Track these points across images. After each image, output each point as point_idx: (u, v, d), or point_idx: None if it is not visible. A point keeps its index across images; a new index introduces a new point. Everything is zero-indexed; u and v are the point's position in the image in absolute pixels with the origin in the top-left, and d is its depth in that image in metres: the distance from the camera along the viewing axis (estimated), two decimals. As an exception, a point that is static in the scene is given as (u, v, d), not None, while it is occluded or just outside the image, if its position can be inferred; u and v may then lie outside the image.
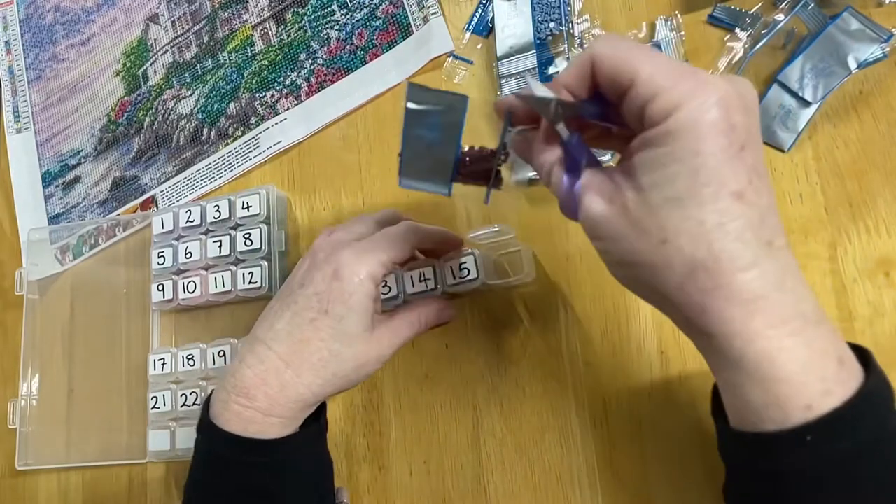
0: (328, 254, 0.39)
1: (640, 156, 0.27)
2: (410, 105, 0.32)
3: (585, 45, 0.48)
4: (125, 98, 0.66)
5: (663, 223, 0.26)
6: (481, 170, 0.36)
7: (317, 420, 0.42)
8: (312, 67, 0.57)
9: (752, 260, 0.26)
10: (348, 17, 0.57)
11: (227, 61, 0.61)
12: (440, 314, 0.43)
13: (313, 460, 0.42)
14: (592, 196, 0.29)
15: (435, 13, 0.53)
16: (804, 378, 0.26)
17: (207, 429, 0.40)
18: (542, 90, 0.30)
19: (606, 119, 0.30)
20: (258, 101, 0.59)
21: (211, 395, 0.41)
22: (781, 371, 0.26)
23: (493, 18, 0.50)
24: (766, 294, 0.26)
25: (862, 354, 0.28)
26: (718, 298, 0.26)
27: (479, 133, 0.50)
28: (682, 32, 0.46)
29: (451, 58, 0.52)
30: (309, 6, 0.58)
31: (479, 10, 0.52)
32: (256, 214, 0.53)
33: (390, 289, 0.48)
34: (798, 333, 0.26)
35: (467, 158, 0.36)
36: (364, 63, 0.55)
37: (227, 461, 0.39)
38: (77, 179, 0.67)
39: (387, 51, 0.55)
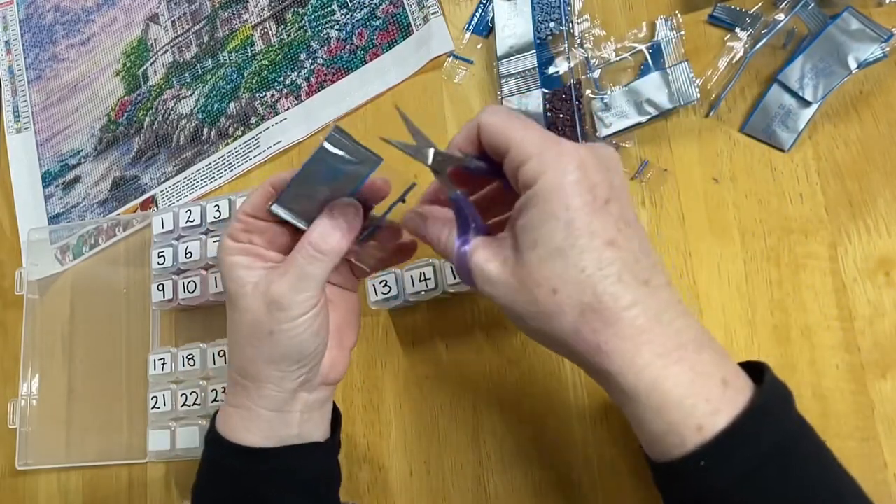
0: None
1: (521, 219, 0.30)
2: (326, 145, 0.33)
3: (586, 45, 0.48)
4: (125, 98, 0.66)
5: (551, 274, 0.29)
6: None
7: (331, 435, 0.41)
8: (312, 67, 0.57)
9: (632, 299, 0.29)
10: (348, 16, 0.57)
11: (228, 61, 0.61)
12: (337, 213, 0.36)
13: (315, 471, 0.40)
14: (483, 258, 0.31)
15: (435, 13, 0.53)
16: (691, 401, 0.28)
17: (209, 436, 0.40)
18: (421, 139, 0.33)
19: (494, 175, 0.32)
20: (258, 101, 0.59)
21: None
22: (670, 396, 0.28)
23: (493, 18, 0.50)
24: (649, 328, 0.29)
25: (759, 369, 0.30)
26: (610, 336, 0.29)
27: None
28: (683, 32, 0.46)
29: (451, 57, 0.52)
30: (309, 6, 0.58)
31: (480, 10, 0.52)
32: (256, 214, 0.53)
33: (390, 289, 0.48)
34: (681, 361, 0.28)
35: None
36: (364, 63, 0.55)
37: (225, 469, 0.39)
38: (77, 179, 0.67)
39: (387, 51, 0.55)
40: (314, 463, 0.40)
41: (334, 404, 0.43)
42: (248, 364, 0.37)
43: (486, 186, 0.36)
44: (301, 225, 0.36)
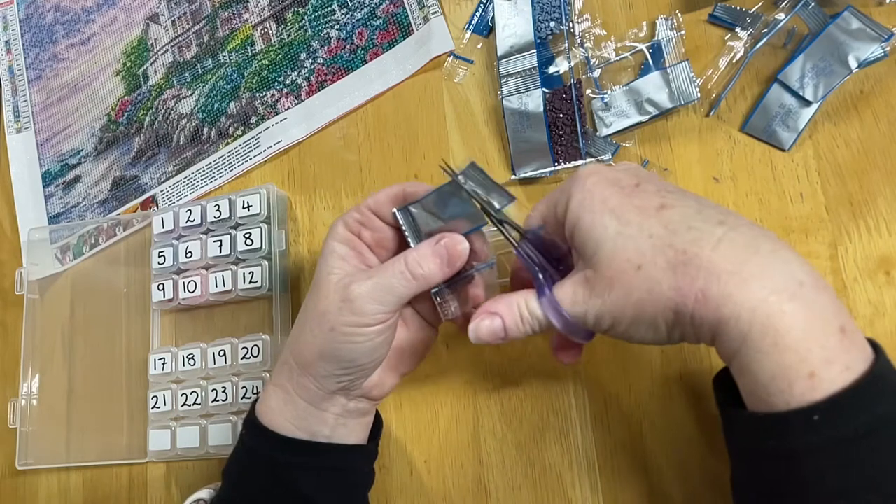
0: None
1: (576, 240, 0.32)
2: (460, 178, 0.35)
3: (586, 44, 0.48)
4: (125, 98, 0.66)
5: (627, 257, 0.29)
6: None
7: (372, 439, 0.42)
8: (313, 67, 0.57)
9: (714, 238, 0.28)
10: (348, 16, 0.57)
11: (228, 61, 0.61)
12: (443, 249, 0.35)
13: (346, 470, 0.40)
14: (566, 291, 0.32)
15: (435, 12, 0.53)
16: (806, 344, 0.26)
17: (248, 422, 0.40)
18: (499, 199, 0.36)
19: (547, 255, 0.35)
20: (258, 101, 0.59)
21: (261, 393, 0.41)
22: (784, 337, 0.26)
23: (493, 18, 0.50)
24: (746, 258, 0.27)
25: (871, 344, 0.28)
26: (711, 281, 0.27)
27: (480, 139, 0.50)
28: (683, 31, 0.46)
29: (452, 57, 0.52)
30: (309, 5, 0.58)
31: (480, 10, 0.52)
32: (257, 214, 0.53)
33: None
34: (795, 299, 0.27)
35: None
36: (364, 62, 0.55)
37: (258, 454, 0.39)
38: (77, 179, 0.67)
39: (387, 50, 0.55)
40: (348, 463, 0.40)
41: (377, 412, 0.43)
42: (302, 348, 0.37)
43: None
44: (411, 240, 0.36)
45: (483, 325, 0.34)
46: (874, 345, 0.28)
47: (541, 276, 0.33)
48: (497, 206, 0.35)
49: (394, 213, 0.36)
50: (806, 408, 0.26)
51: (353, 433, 0.40)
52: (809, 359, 0.26)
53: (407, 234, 0.36)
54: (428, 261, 0.35)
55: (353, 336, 0.35)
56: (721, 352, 0.29)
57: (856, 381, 0.26)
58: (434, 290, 0.36)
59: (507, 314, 0.34)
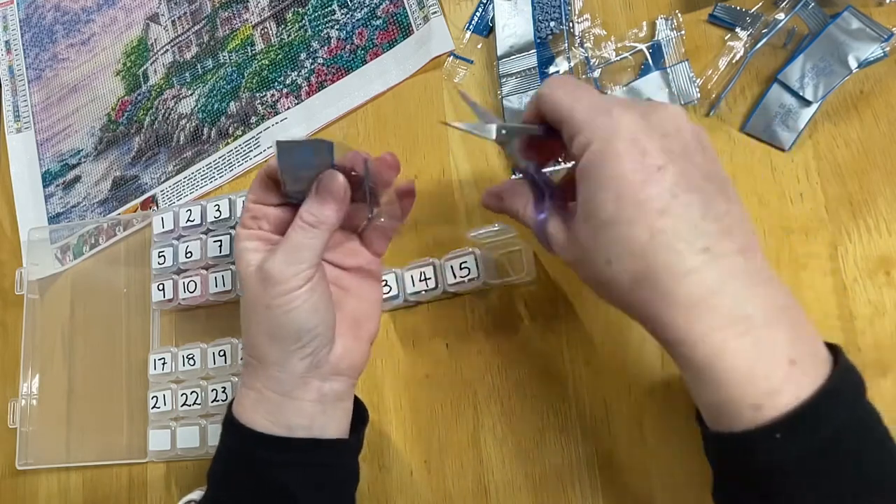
0: None
1: (578, 189, 0.30)
2: (280, 140, 0.34)
3: (586, 44, 0.48)
4: (125, 98, 0.66)
5: (603, 244, 0.29)
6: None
7: (355, 433, 0.41)
8: (313, 67, 0.57)
9: (687, 268, 0.27)
10: (349, 16, 0.57)
11: (228, 61, 0.61)
12: (321, 186, 0.36)
13: (331, 467, 0.39)
14: (553, 228, 0.33)
15: (435, 12, 0.53)
16: (749, 378, 0.27)
17: (226, 421, 0.40)
18: (484, 116, 0.34)
19: (559, 137, 0.33)
20: (258, 101, 0.59)
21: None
22: (726, 373, 0.27)
23: (493, 18, 0.50)
24: (704, 298, 0.27)
25: (834, 351, 0.29)
26: (662, 306, 0.28)
27: (480, 139, 0.50)
28: (683, 31, 0.46)
29: (452, 57, 0.52)
30: (309, 5, 0.58)
31: (480, 10, 0.52)
32: (256, 214, 0.53)
33: (391, 288, 0.48)
34: (743, 335, 0.27)
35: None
36: (364, 62, 0.55)
37: (239, 453, 0.39)
38: (77, 179, 0.67)
39: (387, 50, 0.55)
40: (330, 458, 0.39)
41: (363, 403, 0.43)
42: (252, 341, 0.37)
43: (560, 152, 0.37)
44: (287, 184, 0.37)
45: (490, 203, 0.38)
46: (836, 351, 0.29)
47: (545, 196, 0.34)
48: (494, 135, 0.35)
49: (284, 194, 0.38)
50: (766, 427, 0.27)
51: (333, 421, 0.39)
52: (753, 392, 0.27)
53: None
54: (316, 206, 0.36)
55: (288, 304, 0.35)
56: (678, 366, 0.30)
57: (805, 402, 0.26)
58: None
59: (509, 203, 0.37)
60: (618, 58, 0.47)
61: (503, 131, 0.33)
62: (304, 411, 0.38)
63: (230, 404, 0.40)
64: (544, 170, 0.36)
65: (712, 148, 0.31)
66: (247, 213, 0.38)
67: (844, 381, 0.28)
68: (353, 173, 0.37)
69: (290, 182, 0.36)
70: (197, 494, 0.47)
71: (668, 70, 0.45)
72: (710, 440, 0.30)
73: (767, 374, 0.27)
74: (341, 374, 0.39)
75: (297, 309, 0.36)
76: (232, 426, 0.38)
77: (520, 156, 0.34)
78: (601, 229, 0.29)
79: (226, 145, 0.60)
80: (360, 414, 0.42)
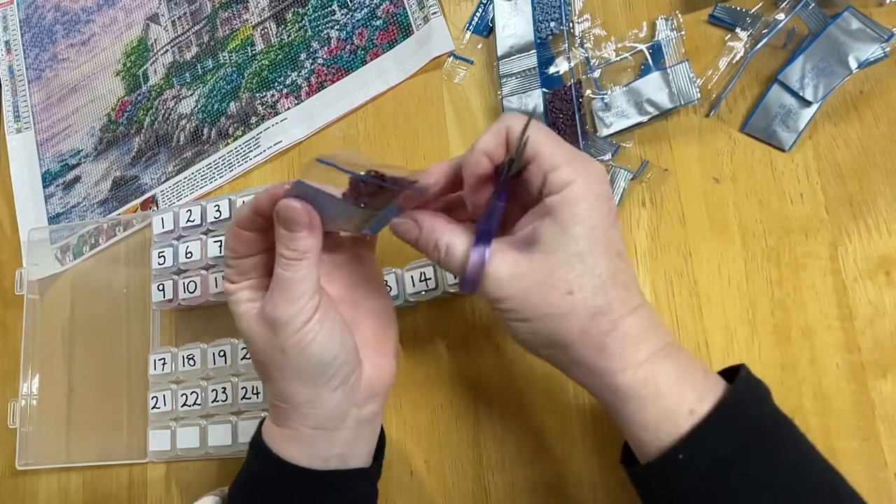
0: None
1: (544, 223, 0.32)
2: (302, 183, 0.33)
3: (586, 45, 0.48)
4: (125, 98, 0.66)
5: (569, 277, 0.31)
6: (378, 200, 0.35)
7: (376, 460, 0.40)
8: (313, 67, 0.57)
9: (636, 304, 0.32)
10: (349, 16, 0.57)
11: (228, 61, 0.61)
12: (280, 216, 0.34)
13: (355, 499, 0.39)
14: (501, 261, 0.33)
15: (435, 13, 0.53)
16: (680, 387, 0.31)
17: (254, 441, 0.39)
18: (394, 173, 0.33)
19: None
20: (258, 101, 0.59)
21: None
22: (662, 386, 0.31)
23: (493, 18, 0.50)
24: (647, 330, 0.32)
25: (736, 370, 0.33)
26: (615, 337, 0.31)
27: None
28: (683, 32, 0.46)
29: (452, 57, 0.52)
30: (309, 6, 0.58)
31: (480, 10, 0.52)
32: (257, 214, 0.53)
33: (391, 289, 0.48)
34: (668, 357, 0.32)
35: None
36: (364, 63, 0.55)
37: (262, 479, 0.38)
38: (77, 179, 0.67)
39: (387, 50, 0.55)
40: (355, 491, 0.39)
41: (382, 428, 0.42)
42: (278, 388, 0.36)
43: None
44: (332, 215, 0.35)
45: (402, 226, 0.36)
46: (736, 370, 0.33)
47: (493, 234, 0.33)
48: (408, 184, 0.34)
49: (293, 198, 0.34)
50: (670, 450, 0.30)
51: (365, 444, 0.39)
52: (686, 399, 0.31)
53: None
54: (289, 240, 0.34)
55: (302, 341, 0.34)
56: (605, 402, 0.33)
57: (710, 412, 0.30)
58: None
59: (430, 236, 0.35)
60: (618, 58, 0.47)
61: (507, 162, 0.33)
62: (341, 440, 0.37)
63: (260, 426, 0.39)
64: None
65: None
66: (231, 271, 0.36)
67: (747, 388, 0.32)
68: (371, 179, 0.34)
69: (327, 224, 0.35)
70: (210, 500, 0.46)
71: (669, 70, 0.45)
72: (640, 475, 0.33)
73: (692, 384, 0.31)
74: (376, 395, 0.38)
75: (312, 343, 0.34)
76: (261, 452, 0.38)
77: (500, 190, 0.33)
78: (569, 261, 0.31)
79: (226, 145, 0.60)
80: (379, 440, 0.42)
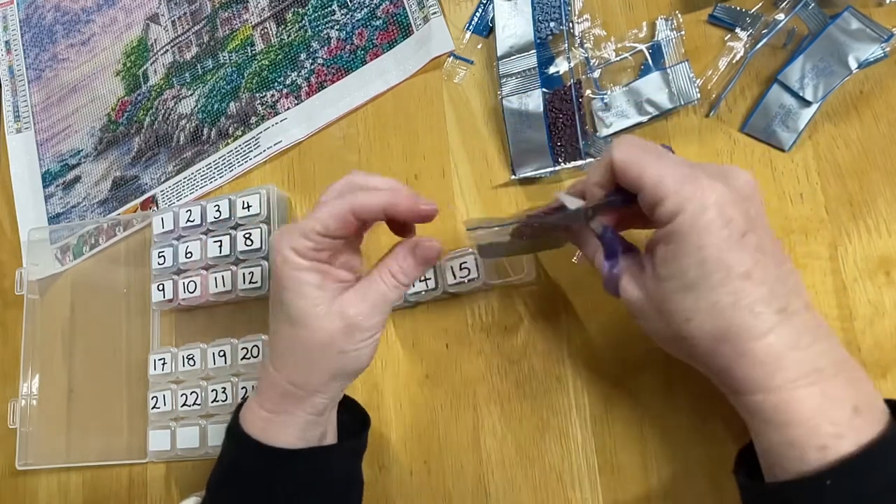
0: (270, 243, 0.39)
1: (657, 250, 0.32)
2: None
3: (586, 45, 0.48)
4: (125, 98, 0.66)
5: (683, 306, 0.31)
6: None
7: (357, 436, 0.42)
8: (313, 67, 0.57)
9: (766, 329, 0.29)
10: (348, 16, 0.57)
11: (228, 61, 0.61)
12: (422, 253, 0.38)
13: (337, 478, 0.41)
14: (627, 282, 0.34)
15: (435, 13, 0.53)
16: (816, 421, 0.28)
17: (230, 429, 0.40)
18: (571, 202, 0.35)
19: (630, 203, 0.34)
20: (258, 101, 0.59)
21: (243, 400, 0.41)
22: (795, 416, 0.29)
23: (493, 18, 0.50)
24: (782, 355, 0.29)
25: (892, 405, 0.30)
26: (742, 364, 0.30)
27: (480, 139, 0.50)
28: (683, 32, 0.46)
29: (452, 57, 0.52)
30: (309, 6, 0.58)
31: (480, 10, 0.52)
32: (257, 214, 0.53)
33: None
34: (812, 385, 0.29)
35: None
36: (364, 63, 0.55)
37: (242, 465, 0.39)
38: (77, 179, 0.67)
39: (387, 50, 0.55)
40: (338, 465, 0.41)
41: (362, 407, 0.46)
42: (309, 379, 0.37)
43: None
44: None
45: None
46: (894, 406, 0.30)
47: (618, 252, 0.35)
48: (583, 219, 0.36)
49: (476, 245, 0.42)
50: (815, 474, 0.28)
51: (334, 421, 0.42)
52: (819, 433, 0.28)
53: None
54: (412, 270, 0.38)
55: (363, 350, 0.37)
56: (738, 411, 0.32)
57: (864, 448, 0.28)
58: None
59: (583, 242, 0.37)
60: (618, 58, 0.47)
61: (590, 212, 0.34)
62: (324, 421, 0.39)
63: (236, 416, 0.40)
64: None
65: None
66: (308, 243, 0.35)
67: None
68: (528, 221, 0.39)
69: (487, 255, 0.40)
70: (192, 501, 0.46)
71: (668, 70, 0.45)
72: (770, 490, 0.31)
73: (833, 419, 0.28)
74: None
75: (365, 350, 0.37)
76: (241, 441, 0.38)
77: (598, 225, 0.35)
78: (682, 291, 0.30)
79: (226, 145, 0.60)
80: (363, 417, 0.45)
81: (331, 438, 0.41)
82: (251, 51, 0.61)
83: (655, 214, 0.31)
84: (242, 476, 0.39)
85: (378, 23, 0.55)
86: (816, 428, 0.28)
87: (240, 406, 0.41)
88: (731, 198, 0.30)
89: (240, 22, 0.62)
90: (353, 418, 0.44)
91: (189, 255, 0.54)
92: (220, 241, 0.54)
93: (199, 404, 0.53)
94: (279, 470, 0.38)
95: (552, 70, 0.48)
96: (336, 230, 0.35)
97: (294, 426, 0.38)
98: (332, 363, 0.37)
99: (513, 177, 0.48)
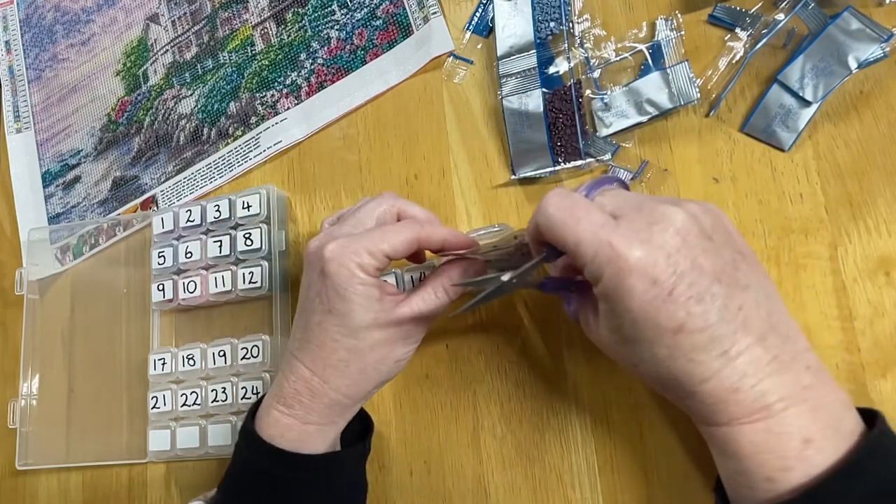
0: (316, 250, 0.38)
1: (599, 304, 0.32)
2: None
3: (586, 45, 0.48)
4: (125, 98, 0.66)
5: (628, 355, 0.32)
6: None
7: (361, 440, 0.43)
8: (313, 67, 0.57)
9: (706, 375, 0.30)
10: (348, 16, 0.57)
11: (228, 61, 0.61)
12: (465, 274, 0.40)
13: (348, 483, 0.42)
14: (583, 321, 0.36)
15: (435, 13, 0.53)
16: (763, 457, 0.29)
17: (248, 436, 0.40)
18: (501, 274, 0.35)
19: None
20: (258, 101, 0.59)
21: (257, 402, 0.42)
22: (741, 450, 0.30)
23: (493, 18, 0.50)
24: (724, 398, 0.30)
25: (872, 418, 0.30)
26: (690, 402, 0.31)
27: (480, 139, 0.50)
28: (683, 32, 0.46)
29: (452, 57, 0.52)
30: (309, 6, 0.58)
31: (480, 10, 0.52)
32: (257, 214, 0.53)
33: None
34: (757, 422, 0.29)
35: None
36: (364, 63, 0.55)
37: (262, 471, 0.39)
38: (77, 179, 0.67)
39: (387, 50, 0.55)
40: (349, 469, 0.42)
41: (367, 412, 0.46)
42: (360, 386, 0.39)
43: None
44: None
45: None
46: (872, 416, 0.30)
47: (571, 296, 0.38)
48: (506, 289, 0.36)
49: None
50: (783, 500, 0.28)
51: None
52: (766, 467, 0.29)
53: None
54: (458, 278, 0.40)
55: (408, 358, 0.40)
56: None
57: (816, 478, 0.28)
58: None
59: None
60: (618, 58, 0.47)
61: (513, 280, 0.35)
62: (324, 433, 0.40)
63: (251, 422, 0.40)
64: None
65: (723, 222, 0.32)
66: (374, 262, 0.37)
67: (868, 454, 0.29)
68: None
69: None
70: None
71: (668, 70, 0.45)
72: None
73: (781, 453, 0.29)
74: None
75: (409, 357, 0.40)
76: (259, 446, 0.39)
77: (533, 285, 0.37)
78: (623, 344, 0.32)
79: (226, 145, 0.60)
80: (367, 421, 0.46)
81: (338, 442, 0.42)
82: (251, 51, 0.61)
83: (585, 273, 0.32)
84: (262, 481, 0.39)
85: (378, 23, 0.55)
86: (763, 462, 0.29)
87: (254, 409, 0.41)
88: (653, 259, 0.29)
89: (240, 22, 0.62)
90: (357, 421, 0.44)
91: (189, 255, 0.54)
92: (220, 241, 0.54)
93: (198, 404, 0.53)
94: (303, 475, 0.39)
95: (552, 70, 0.48)
96: (401, 254, 0.38)
97: (334, 434, 0.40)
98: (385, 372, 0.39)
99: (513, 177, 0.48)
